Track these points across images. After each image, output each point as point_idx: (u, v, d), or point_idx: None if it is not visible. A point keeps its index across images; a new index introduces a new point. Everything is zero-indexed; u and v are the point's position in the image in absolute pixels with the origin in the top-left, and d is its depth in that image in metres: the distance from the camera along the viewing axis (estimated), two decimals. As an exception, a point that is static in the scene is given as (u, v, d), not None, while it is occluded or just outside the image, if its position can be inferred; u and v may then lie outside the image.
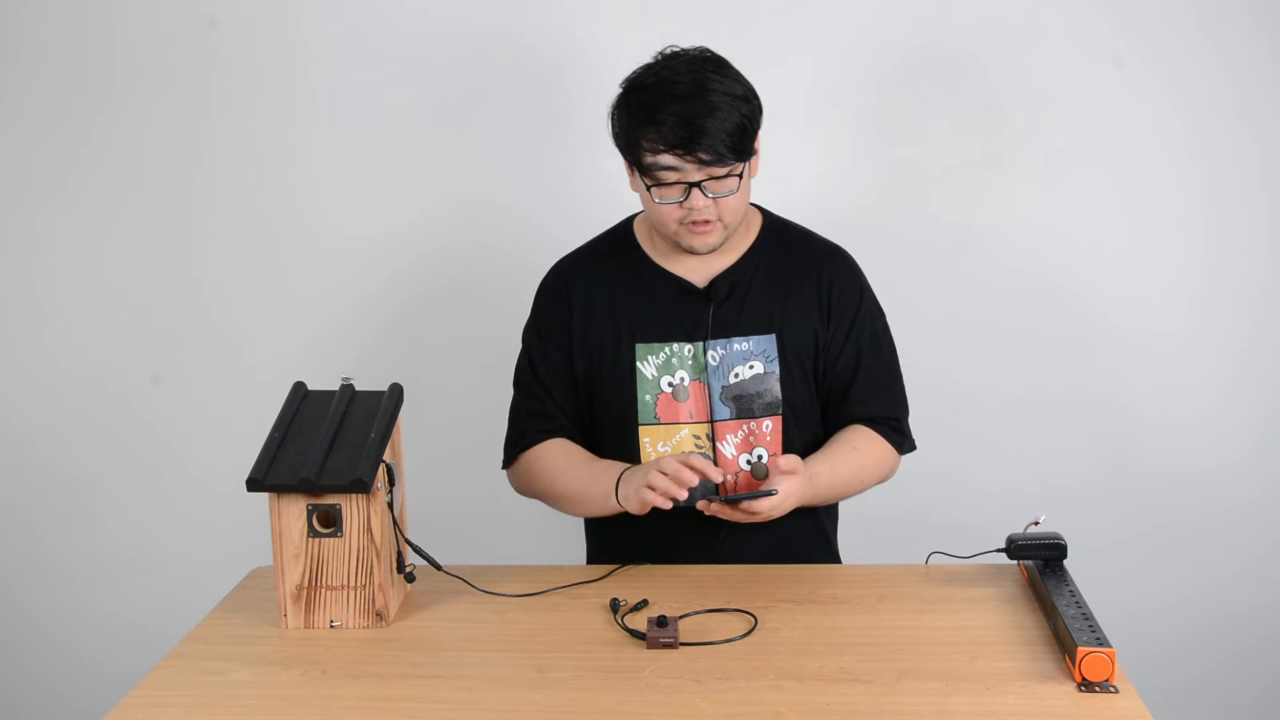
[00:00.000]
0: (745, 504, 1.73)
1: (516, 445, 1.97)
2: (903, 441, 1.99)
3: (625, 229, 1.99)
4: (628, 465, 1.85)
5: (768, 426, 1.90)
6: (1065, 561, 1.73)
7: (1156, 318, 2.54)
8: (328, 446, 1.65)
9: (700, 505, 1.77)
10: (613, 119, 1.83)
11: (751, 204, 1.96)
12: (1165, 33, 2.42)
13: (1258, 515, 2.60)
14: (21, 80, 2.56)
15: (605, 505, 1.84)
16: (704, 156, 1.73)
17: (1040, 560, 1.74)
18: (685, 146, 1.73)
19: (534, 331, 1.98)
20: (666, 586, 1.77)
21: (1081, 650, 1.45)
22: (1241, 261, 2.51)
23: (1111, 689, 1.44)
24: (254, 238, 2.60)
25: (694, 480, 1.71)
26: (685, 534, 1.89)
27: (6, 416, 2.71)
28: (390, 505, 1.67)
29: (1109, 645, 1.46)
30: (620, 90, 1.82)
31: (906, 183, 2.51)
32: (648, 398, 1.90)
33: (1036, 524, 1.78)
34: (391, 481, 1.68)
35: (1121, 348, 2.56)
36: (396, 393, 1.75)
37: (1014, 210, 2.51)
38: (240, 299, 2.63)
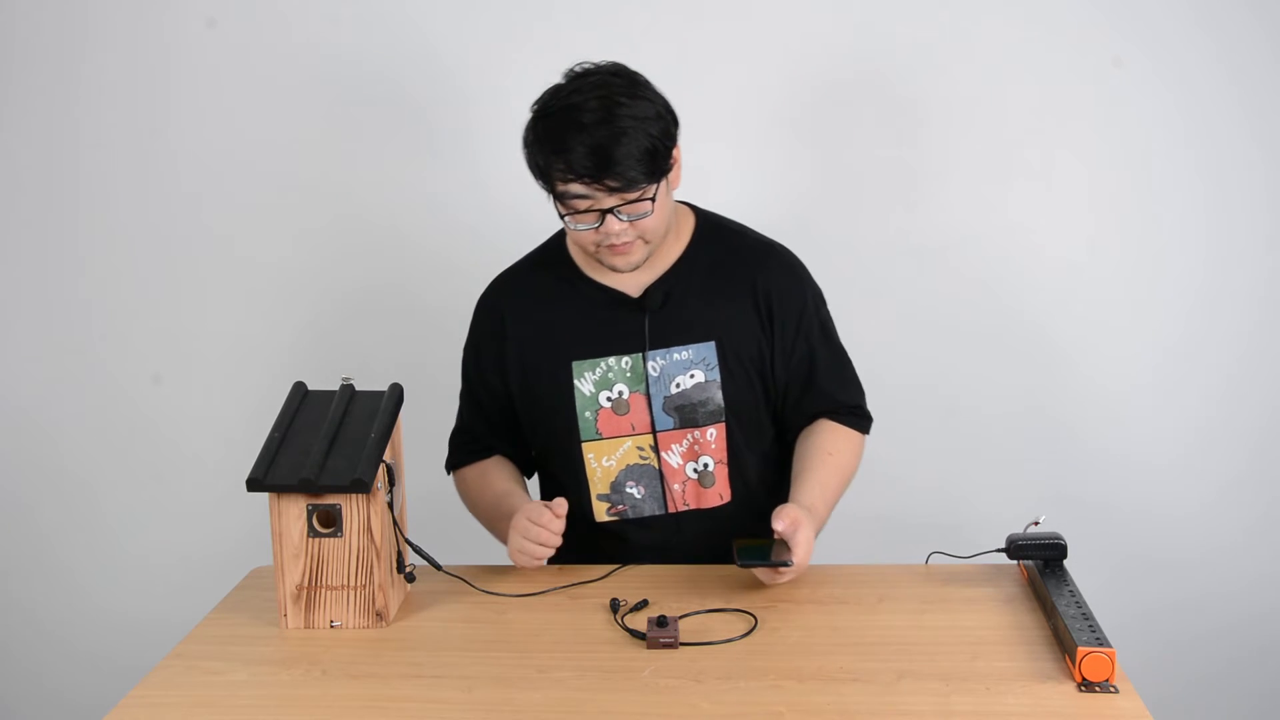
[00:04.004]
0: (760, 573, 1.72)
1: (451, 464, 2.02)
2: (865, 423, 1.99)
3: (558, 241, 1.96)
4: (518, 510, 1.83)
5: (712, 434, 1.88)
6: (1065, 561, 1.73)
7: (1157, 319, 2.54)
8: (328, 446, 1.65)
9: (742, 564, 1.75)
10: (524, 145, 1.77)
11: (684, 203, 1.93)
12: (1166, 32, 2.42)
13: (1259, 516, 2.60)
14: (21, 80, 2.56)
15: None
16: (612, 184, 1.69)
17: (1040, 560, 1.75)
18: (594, 175, 1.68)
19: (470, 349, 1.98)
20: (666, 586, 1.77)
21: (1081, 650, 1.45)
22: (1244, 262, 2.51)
23: (1111, 689, 1.44)
24: (254, 237, 2.60)
25: (553, 540, 1.74)
26: (640, 541, 1.91)
27: (7, 416, 2.71)
28: (390, 505, 1.67)
29: (1109, 645, 1.46)
30: (530, 116, 1.76)
31: (904, 183, 2.51)
32: (588, 414, 1.88)
33: (1036, 524, 1.78)
34: (391, 481, 1.68)
35: (1123, 348, 2.55)
36: (396, 393, 1.75)
37: (1013, 212, 2.51)
38: (240, 299, 2.63)
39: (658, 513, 1.89)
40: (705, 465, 1.89)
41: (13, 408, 2.71)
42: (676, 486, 1.88)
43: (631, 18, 2.46)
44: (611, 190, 1.70)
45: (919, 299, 2.54)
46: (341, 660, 1.58)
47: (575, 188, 1.71)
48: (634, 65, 1.79)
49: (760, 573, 1.73)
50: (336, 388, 1.77)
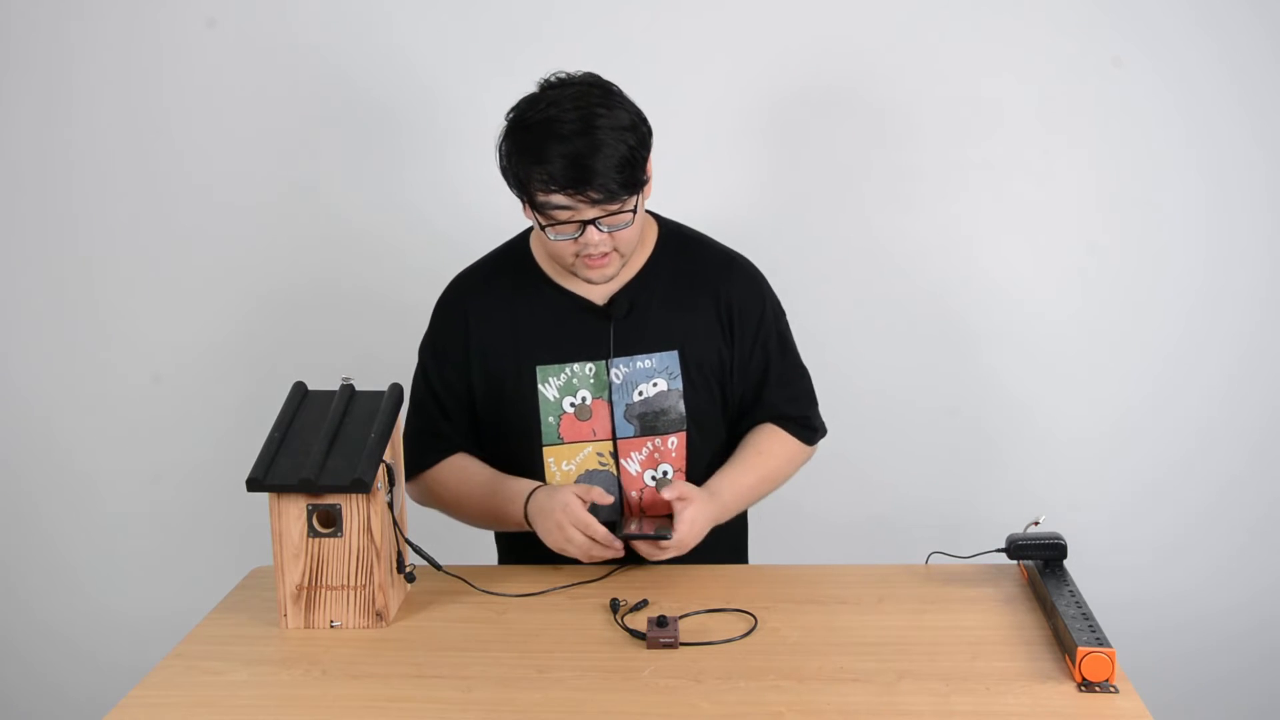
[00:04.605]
0: (640, 546, 1.75)
1: (414, 466, 1.95)
2: (812, 435, 1.99)
3: (522, 244, 1.95)
4: (532, 487, 1.82)
5: (673, 443, 1.89)
6: (1065, 561, 1.73)
7: (1158, 319, 2.54)
8: (328, 446, 1.65)
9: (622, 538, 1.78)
10: (500, 154, 1.78)
11: (647, 211, 1.92)
12: (1166, 32, 2.42)
13: (1260, 517, 2.60)
14: (22, 80, 2.56)
15: (521, 527, 1.84)
16: (595, 196, 1.70)
17: (1040, 560, 1.75)
18: (576, 186, 1.69)
19: (430, 350, 1.96)
20: (666, 586, 1.77)
21: (1081, 650, 1.45)
22: (1245, 262, 2.50)
23: (1111, 689, 1.44)
24: (254, 237, 2.60)
25: (606, 553, 1.75)
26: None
27: (8, 415, 2.71)
28: (390, 505, 1.67)
29: (1109, 645, 1.46)
30: (506, 125, 1.76)
31: (903, 184, 2.51)
32: (550, 419, 1.88)
33: (1036, 524, 1.78)
34: (391, 481, 1.68)
35: (1123, 349, 2.55)
36: (396, 393, 1.75)
37: (1013, 212, 2.51)
38: (240, 298, 2.63)
39: (614, 519, 1.89)
40: (665, 473, 1.89)
41: (13, 407, 2.71)
42: (634, 494, 1.89)
43: (606, 24, 2.45)
44: (594, 202, 1.71)
45: (918, 300, 2.54)
46: (341, 660, 1.58)
47: (557, 198, 1.71)
48: (606, 72, 1.79)
49: (641, 547, 1.76)
50: (336, 388, 1.77)
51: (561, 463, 1.88)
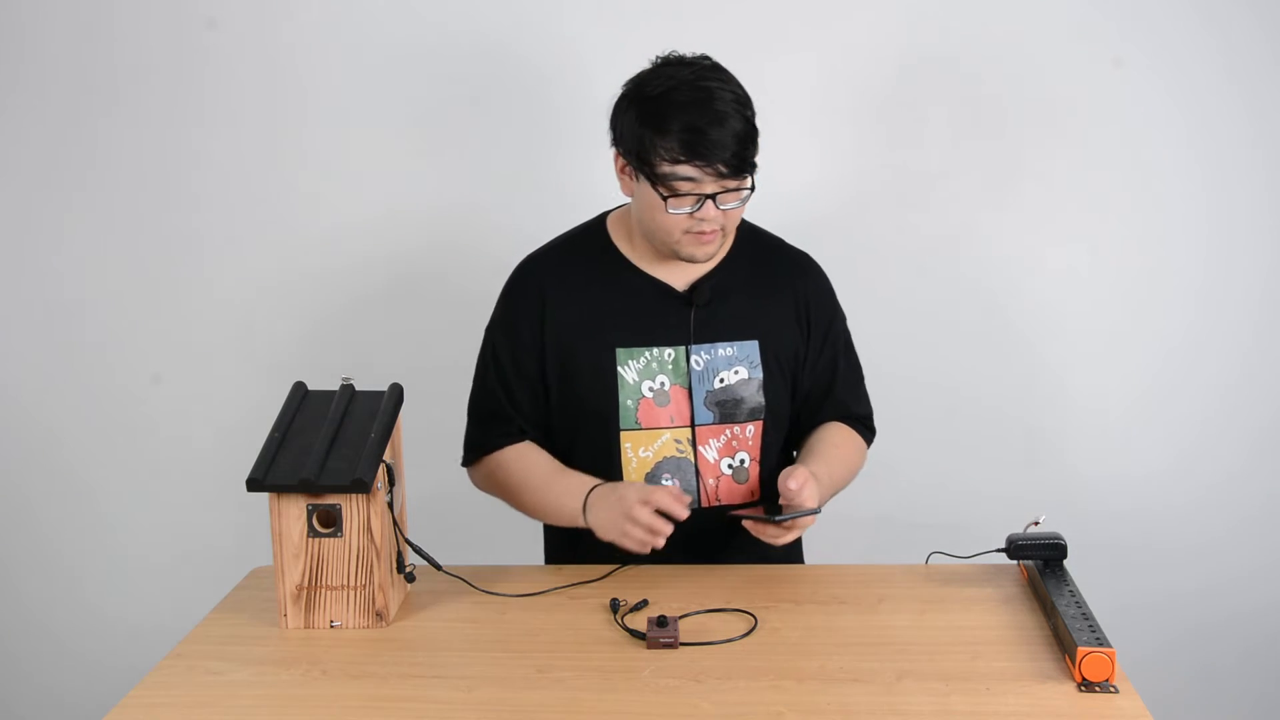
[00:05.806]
0: (789, 523, 1.72)
1: (479, 448, 1.94)
2: (870, 435, 2.04)
3: (599, 227, 1.95)
4: (594, 482, 1.81)
5: (750, 432, 1.90)
6: (1065, 561, 1.73)
7: (1159, 318, 2.54)
8: (328, 446, 1.65)
9: (747, 525, 1.77)
10: (617, 125, 1.78)
11: None
12: (1166, 32, 2.42)
13: (1260, 516, 2.60)
14: (22, 81, 2.56)
15: (574, 522, 1.82)
16: (723, 169, 1.71)
17: (1040, 560, 1.75)
18: (705, 158, 1.70)
19: (502, 328, 1.93)
20: (666, 586, 1.77)
21: (1081, 650, 1.45)
22: (1245, 262, 2.50)
23: (1111, 689, 1.44)
24: (254, 237, 2.60)
25: (669, 530, 1.72)
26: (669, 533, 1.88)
27: (8, 415, 2.71)
28: (390, 505, 1.67)
29: (1109, 645, 1.46)
30: (625, 96, 1.77)
31: (905, 184, 2.51)
32: (629, 403, 1.87)
33: (1036, 524, 1.78)
34: (391, 481, 1.68)
35: (1124, 348, 2.56)
36: (396, 393, 1.75)
37: (1014, 212, 2.51)
38: (240, 299, 2.63)
39: (691, 506, 1.89)
40: (742, 461, 1.90)
41: (13, 407, 2.71)
42: (711, 481, 1.89)
43: (613, 25, 2.45)
44: (720, 175, 1.72)
45: (920, 298, 2.54)
46: (341, 660, 1.58)
47: (684, 169, 1.72)
48: None
49: (768, 529, 1.74)
50: (336, 388, 1.77)
51: (639, 449, 1.88)
